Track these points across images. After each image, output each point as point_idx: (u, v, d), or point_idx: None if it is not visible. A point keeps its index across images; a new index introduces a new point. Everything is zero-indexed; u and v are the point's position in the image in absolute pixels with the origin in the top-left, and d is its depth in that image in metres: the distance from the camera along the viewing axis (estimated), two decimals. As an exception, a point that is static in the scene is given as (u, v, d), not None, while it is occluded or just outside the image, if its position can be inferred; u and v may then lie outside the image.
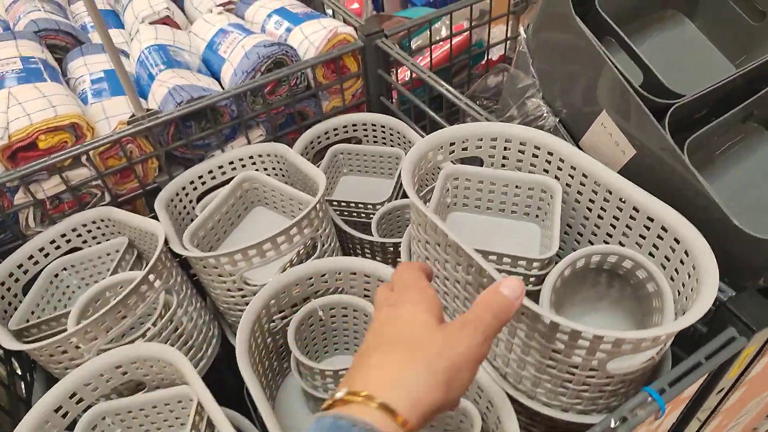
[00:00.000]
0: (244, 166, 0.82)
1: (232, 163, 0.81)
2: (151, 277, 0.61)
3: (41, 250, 0.75)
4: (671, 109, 0.54)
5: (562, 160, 0.57)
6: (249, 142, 0.85)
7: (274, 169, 0.82)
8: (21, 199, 0.74)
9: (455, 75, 1.04)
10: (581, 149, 0.63)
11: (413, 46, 1.02)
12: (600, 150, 0.62)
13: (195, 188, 0.79)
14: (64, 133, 0.72)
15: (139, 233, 0.72)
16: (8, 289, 0.73)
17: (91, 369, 0.55)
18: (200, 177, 0.79)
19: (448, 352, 0.34)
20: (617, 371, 0.45)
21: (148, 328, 0.60)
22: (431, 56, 0.96)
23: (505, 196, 0.62)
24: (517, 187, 0.60)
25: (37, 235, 0.75)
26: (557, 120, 0.66)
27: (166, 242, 0.65)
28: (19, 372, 0.73)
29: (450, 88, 0.75)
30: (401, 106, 0.96)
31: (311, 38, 0.85)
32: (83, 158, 0.74)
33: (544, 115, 0.66)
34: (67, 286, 0.77)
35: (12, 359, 0.73)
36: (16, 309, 0.71)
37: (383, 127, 0.90)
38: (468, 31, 0.96)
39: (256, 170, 0.80)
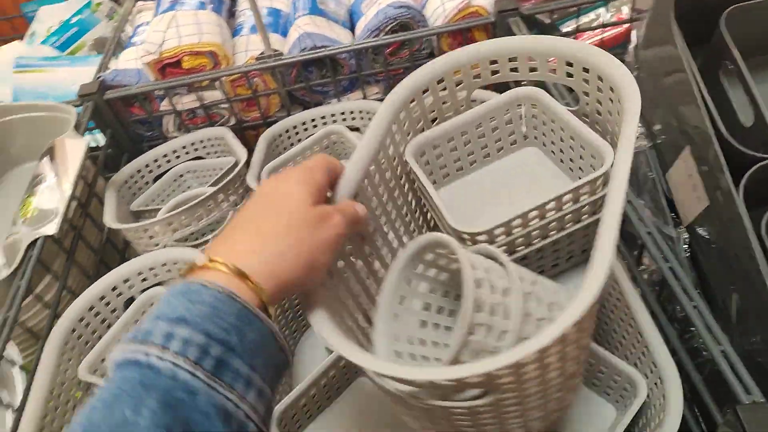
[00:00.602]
0: (354, 119, 0.87)
1: (343, 113, 0.86)
2: (220, 196, 0.70)
3: (174, 152, 0.89)
4: (753, 167, 0.45)
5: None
6: (364, 98, 0.89)
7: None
8: (165, 107, 0.88)
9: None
10: (666, 182, 0.56)
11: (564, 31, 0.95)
12: (679, 190, 0.55)
13: (297, 132, 0.86)
14: (204, 58, 0.83)
15: (240, 157, 0.82)
16: (142, 177, 0.88)
17: (130, 268, 0.66)
18: (303, 123, 0.85)
19: (316, 234, 0.36)
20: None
21: (207, 240, 0.70)
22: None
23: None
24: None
25: (173, 139, 0.89)
26: (649, 144, 0.58)
27: (246, 165, 0.73)
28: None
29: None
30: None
31: (446, 5, 0.84)
32: (216, 83, 0.84)
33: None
34: (188, 186, 0.91)
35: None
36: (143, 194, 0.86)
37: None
38: (627, 24, 0.86)
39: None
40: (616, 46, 0.90)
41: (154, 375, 0.28)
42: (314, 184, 0.38)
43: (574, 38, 0.88)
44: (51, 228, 0.64)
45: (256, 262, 0.33)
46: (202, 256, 0.34)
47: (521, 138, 0.57)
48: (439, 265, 0.48)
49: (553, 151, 0.56)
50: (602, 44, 0.89)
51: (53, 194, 0.68)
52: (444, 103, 0.55)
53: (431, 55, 0.86)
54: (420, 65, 0.85)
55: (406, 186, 0.54)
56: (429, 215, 0.58)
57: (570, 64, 0.50)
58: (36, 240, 0.63)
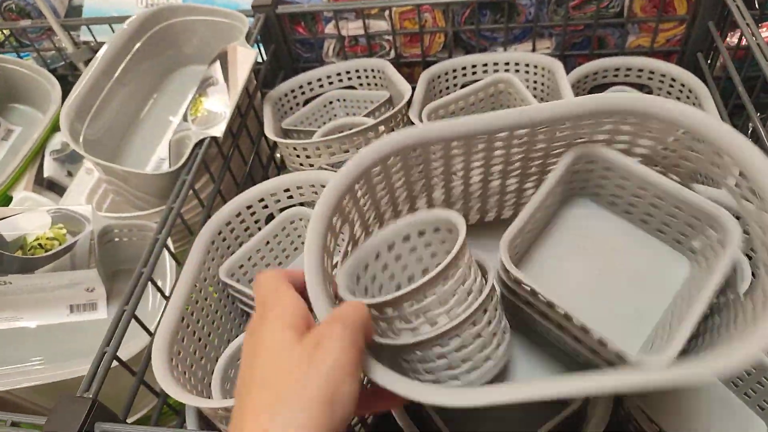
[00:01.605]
0: (518, 71, 0.82)
1: (507, 64, 0.82)
2: (381, 128, 0.68)
3: (328, 77, 0.88)
4: None
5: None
6: (534, 50, 0.84)
7: (535, 83, 0.80)
8: (330, 30, 0.87)
9: (814, 60, 0.83)
10: None
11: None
12: None
13: (455, 77, 0.82)
14: (378, -15, 0.80)
15: (396, 92, 0.80)
16: (294, 97, 0.88)
17: (279, 182, 0.66)
18: (463, 68, 0.82)
19: (316, 372, 0.29)
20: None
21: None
22: (788, 26, 0.78)
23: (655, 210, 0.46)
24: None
25: (331, 64, 0.88)
26: None
27: (408, 104, 0.71)
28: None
29: (774, 67, 0.62)
30: (721, 74, 0.82)
31: (647, -38, 0.76)
32: (386, 12, 0.82)
33: None
34: (335, 114, 0.91)
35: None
36: (293, 114, 0.87)
37: (683, 86, 0.78)
38: None
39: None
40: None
41: None
42: (289, 314, 0.32)
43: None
44: (218, 130, 0.66)
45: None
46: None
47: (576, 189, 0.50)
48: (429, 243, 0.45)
49: (613, 203, 0.48)
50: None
51: (222, 98, 0.69)
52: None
53: (620, 14, 0.79)
54: (604, 24, 0.80)
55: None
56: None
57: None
58: (203, 140, 0.65)
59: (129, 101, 0.79)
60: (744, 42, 0.68)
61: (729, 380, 0.56)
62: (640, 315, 0.44)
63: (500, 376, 0.44)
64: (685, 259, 0.45)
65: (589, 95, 0.41)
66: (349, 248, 0.44)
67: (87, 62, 0.89)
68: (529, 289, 0.41)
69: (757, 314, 0.35)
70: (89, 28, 0.93)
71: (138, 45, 0.78)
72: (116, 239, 0.71)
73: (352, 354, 0.31)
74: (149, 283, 0.53)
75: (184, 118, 0.68)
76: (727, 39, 0.79)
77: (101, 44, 0.78)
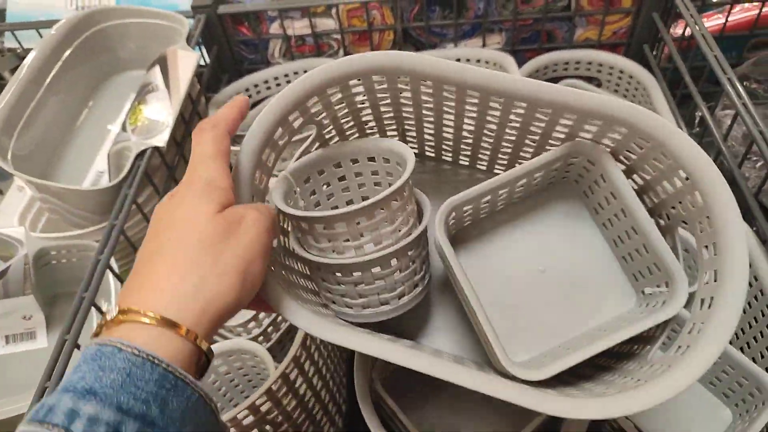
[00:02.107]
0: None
1: (458, 60, 0.81)
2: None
3: (275, 78, 0.85)
4: None
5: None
6: (484, 45, 0.83)
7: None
8: (275, 30, 0.84)
9: (752, 50, 0.85)
10: None
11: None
12: None
13: (412, 71, 0.81)
14: (324, -18, 0.78)
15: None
16: (241, 101, 0.85)
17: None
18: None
19: (235, 246, 0.30)
20: None
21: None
22: (727, 17, 0.80)
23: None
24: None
25: (277, 65, 0.85)
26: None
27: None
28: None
29: (719, 56, 0.62)
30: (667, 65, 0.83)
31: (592, -44, 0.77)
32: (332, 10, 0.79)
33: (818, 124, 0.52)
34: (285, 118, 0.88)
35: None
36: (240, 119, 0.84)
37: (631, 78, 0.79)
38: (793, 0, 0.77)
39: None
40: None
41: None
42: (215, 189, 0.32)
43: (729, 7, 0.79)
44: (161, 139, 0.62)
45: (177, 300, 0.28)
46: (114, 310, 0.28)
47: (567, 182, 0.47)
48: None
49: (596, 210, 0.45)
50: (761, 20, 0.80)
51: (163, 105, 0.65)
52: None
53: (566, 9, 0.79)
54: (553, 18, 0.79)
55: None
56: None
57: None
58: (145, 150, 0.61)
59: (62, 111, 0.73)
60: (688, 32, 0.69)
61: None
62: (553, 332, 0.43)
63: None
64: (634, 297, 0.43)
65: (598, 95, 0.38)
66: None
67: (13, 71, 0.82)
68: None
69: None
70: (14, 34, 0.87)
71: (69, 51, 0.73)
72: (54, 261, 0.66)
73: (265, 239, 0.32)
74: (92, 307, 0.49)
75: (123, 128, 0.64)
76: (672, 30, 0.80)
77: (29, 51, 0.72)
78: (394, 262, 0.39)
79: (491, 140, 0.44)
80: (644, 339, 0.40)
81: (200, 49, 0.82)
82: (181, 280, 0.29)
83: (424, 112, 0.43)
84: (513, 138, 0.43)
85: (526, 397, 0.33)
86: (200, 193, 0.32)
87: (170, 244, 0.30)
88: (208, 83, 0.83)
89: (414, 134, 0.47)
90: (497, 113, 0.40)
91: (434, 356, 0.35)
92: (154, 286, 0.29)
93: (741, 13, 0.83)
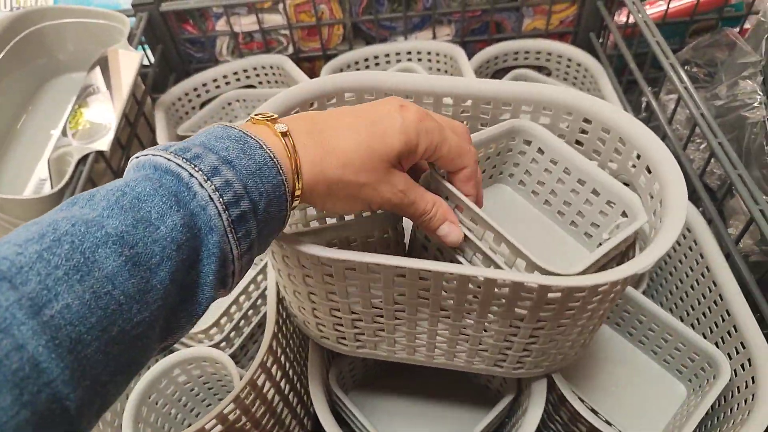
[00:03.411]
0: (420, 60, 0.81)
1: (409, 53, 0.80)
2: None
3: (224, 77, 0.83)
4: None
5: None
6: (434, 38, 0.83)
7: (438, 70, 0.80)
8: (222, 27, 0.82)
9: (693, 35, 0.88)
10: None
11: (656, -13, 0.87)
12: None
13: (358, 69, 0.80)
14: (269, -24, 0.76)
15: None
16: (189, 101, 0.83)
17: None
18: (366, 59, 0.80)
19: (369, 127, 0.33)
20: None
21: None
22: (668, 3, 0.81)
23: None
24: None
25: (225, 63, 0.83)
26: (768, 116, 0.53)
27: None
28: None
29: (661, 42, 0.64)
30: (613, 52, 0.85)
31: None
32: (279, 6, 0.78)
33: (755, 105, 0.53)
34: (236, 116, 0.86)
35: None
36: (189, 119, 0.81)
37: (579, 65, 0.81)
38: (729, -15, 0.79)
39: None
40: (711, 11, 0.84)
41: (190, 196, 0.27)
42: (414, 146, 0.34)
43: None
44: (104, 143, 0.60)
45: (303, 138, 0.32)
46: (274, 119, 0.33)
47: (496, 174, 0.50)
48: None
49: (534, 192, 0.48)
50: (695, 6, 0.82)
51: (105, 107, 0.63)
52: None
53: (513, -1, 0.80)
54: (500, 9, 0.80)
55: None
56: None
57: (588, 121, 0.43)
58: (87, 155, 0.59)
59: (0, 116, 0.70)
60: (632, 19, 0.71)
61: (648, 348, 0.57)
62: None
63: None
64: (586, 250, 0.46)
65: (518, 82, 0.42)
66: None
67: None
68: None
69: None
70: (-57, 38, 0.82)
71: (3, 53, 0.70)
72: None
73: (392, 195, 0.35)
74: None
75: (63, 133, 0.61)
76: (617, 17, 0.81)
77: (-42, 55, 0.69)
78: None
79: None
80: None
81: (144, 48, 0.80)
82: (320, 133, 0.33)
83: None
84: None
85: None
86: (413, 124, 0.34)
87: (353, 121, 0.34)
88: (154, 83, 0.81)
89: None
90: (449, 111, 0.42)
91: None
92: (302, 122, 0.33)
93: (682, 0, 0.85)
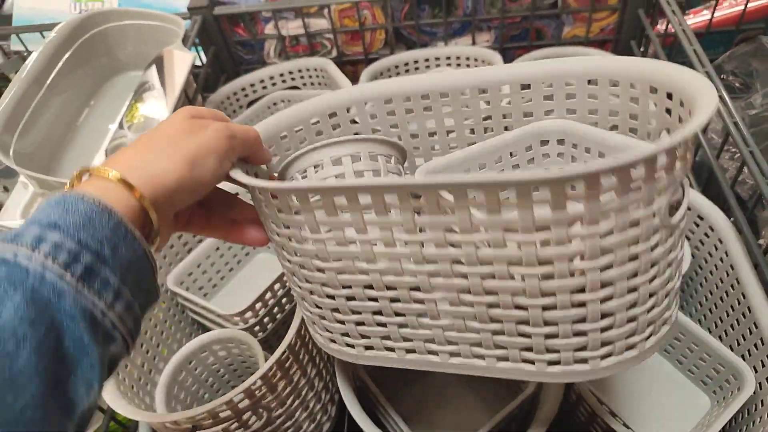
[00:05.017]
0: (459, 65, 0.83)
1: (449, 58, 0.82)
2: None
3: (271, 78, 0.87)
4: None
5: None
6: (473, 44, 0.85)
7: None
8: (270, 31, 0.86)
9: (740, 44, 0.86)
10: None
11: (702, -4, 0.87)
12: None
13: (398, 72, 0.83)
14: (316, -17, 0.80)
15: (341, 91, 0.80)
16: (237, 100, 0.87)
17: None
18: (406, 63, 0.82)
19: (192, 138, 0.35)
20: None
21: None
22: (713, 12, 0.81)
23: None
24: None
25: (272, 65, 0.87)
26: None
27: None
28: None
29: (698, 50, 0.64)
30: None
31: (578, -46, 0.78)
32: (325, 11, 0.82)
33: (790, 115, 0.53)
34: (280, 116, 0.90)
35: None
36: (236, 117, 0.86)
37: (618, 73, 0.81)
38: (777, -5, 0.78)
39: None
40: (758, 20, 0.82)
41: (22, 274, 0.27)
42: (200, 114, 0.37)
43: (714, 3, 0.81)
44: (156, 136, 0.64)
45: (131, 169, 0.33)
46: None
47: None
48: None
49: None
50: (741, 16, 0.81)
51: (159, 103, 0.68)
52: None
53: (554, 5, 0.81)
54: (540, 16, 0.81)
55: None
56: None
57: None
58: (140, 146, 0.63)
59: (63, 111, 0.76)
60: (671, 29, 0.71)
61: (673, 357, 0.57)
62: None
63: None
64: None
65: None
66: None
67: (18, 72, 0.85)
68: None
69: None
70: (19, 37, 0.90)
71: (69, 52, 0.76)
72: (55, 254, 0.69)
73: (225, 144, 0.36)
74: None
75: (120, 126, 0.66)
76: (660, 26, 0.81)
77: (32, 53, 0.75)
78: None
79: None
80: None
81: (197, 49, 0.85)
82: (139, 157, 0.34)
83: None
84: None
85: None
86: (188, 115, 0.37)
87: (146, 137, 0.35)
88: (207, 83, 0.86)
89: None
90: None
91: None
92: (116, 160, 0.33)
93: (728, 9, 0.84)
